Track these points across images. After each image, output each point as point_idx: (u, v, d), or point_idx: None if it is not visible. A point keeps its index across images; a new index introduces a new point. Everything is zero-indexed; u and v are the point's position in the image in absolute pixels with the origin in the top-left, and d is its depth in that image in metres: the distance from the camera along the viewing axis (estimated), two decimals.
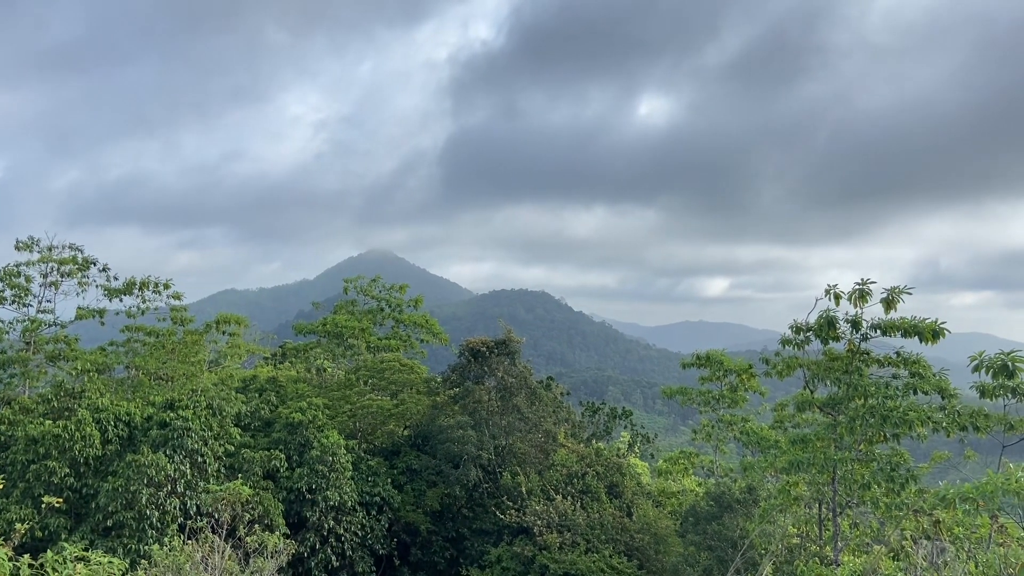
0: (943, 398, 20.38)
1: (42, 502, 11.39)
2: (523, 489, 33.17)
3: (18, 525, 10.74)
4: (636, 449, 47.78)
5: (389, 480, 33.59)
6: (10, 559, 8.07)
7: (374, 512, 32.08)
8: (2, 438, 27.64)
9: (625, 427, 47.88)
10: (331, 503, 29.59)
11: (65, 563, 8.91)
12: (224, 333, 45.21)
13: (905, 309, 19.50)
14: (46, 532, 24.13)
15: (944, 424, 19.76)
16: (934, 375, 20.60)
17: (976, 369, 18.12)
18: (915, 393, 20.34)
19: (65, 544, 10.13)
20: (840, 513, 21.81)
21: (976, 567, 11.12)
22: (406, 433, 39.46)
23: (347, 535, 30.14)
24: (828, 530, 22.47)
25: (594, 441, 43.27)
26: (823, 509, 22.85)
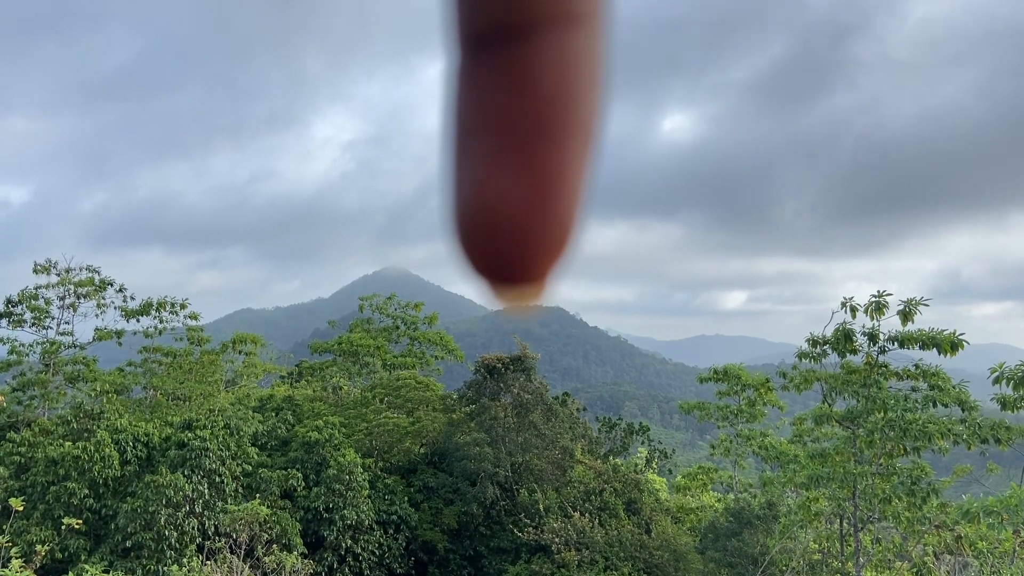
0: (963, 410, 20.19)
1: (62, 523, 11.47)
2: (540, 506, 33.04)
3: (39, 547, 10.82)
4: (654, 465, 47.50)
5: (406, 498, 33.55)
6: None
7: (391, 531, 32.03)
8: (22, 460, 27.87)
9: (642, 443, 47.66)
10: (348, 522, 29.58)
11: None
12: (240, 352, 45.50)
13: (926, 320, 19.41)
14: (66, 554, 24.24)
15: (965, 437, 19.55)
16: (954, 387, 20.42)
17: (997, 381, 17.95)
18: (935, 405, 20.16)
19: (85, 566, 10.19)
20: (861, 528, 21.57)
21: None
22: (422, 451, 39.42)
23: (365, 554, 30.10)
24: (850, 545, 22.22)
25: (611, 457, 43.08)
26: (844, 524, 22.61)
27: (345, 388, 47.04)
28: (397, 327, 52.17)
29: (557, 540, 30.64)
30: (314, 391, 47.14)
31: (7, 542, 9.46)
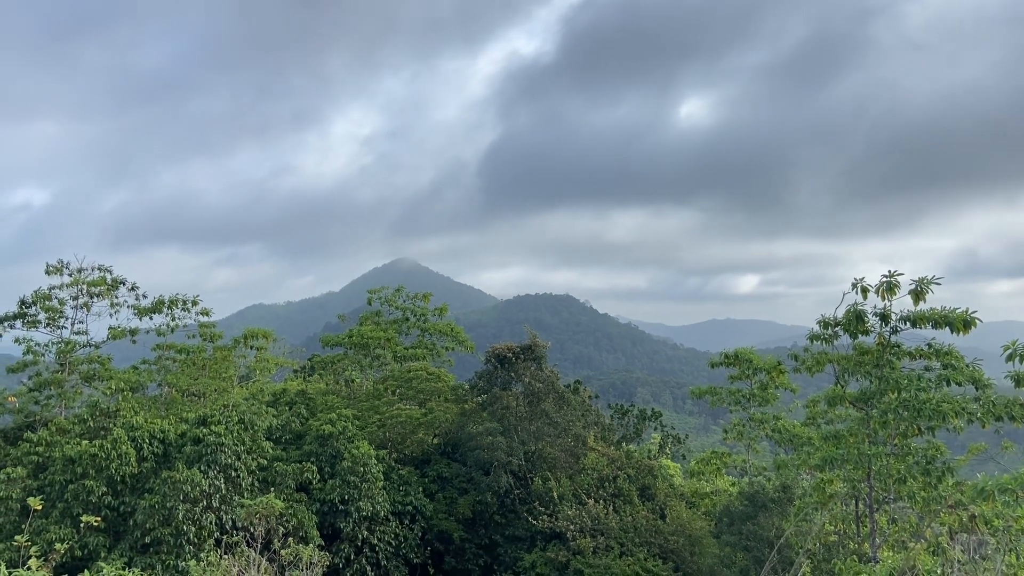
0: (977, 389, 20.06)
1: (81, 521, 11.56)
2: (555, 494, 33.11)
3: (58, 545, 10.91)
4: (667, 450, 47.52)
5: (421, 489, 33.69)
6: None
7: (407, 521, 32.18)
8: (40, 459, 28.10)
9: (655, 428, 47.67)
10: (364, 513, 29.74)
11: None
12: (252, 348, 45.65)
13: (941, 299, 19.22)
14: (86, 551, 24.46)
15: (979, 415, 19.44)
16: (967, 366, 20.27)
17: (1010, 358, 17.79)
18: (948, 384, 20.02)
19: (103, 564, 10.27)
20: (877, 509, 21.52)
21: (1017, 559, 10.94)
22: (436, 441, 39.55)
23: (381, 545, 30.26)
24: (865, 526, 22.18)
25: (624, 443, 43.11)
26: (859, 505, 22.56)
27: (357, 381, 47.19)
28: (407, 319, 52.24)
29: (572, 527, 30.72)
30: (327, 384, 47.32)
31: (26, 541, 9.55)
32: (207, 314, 41.19)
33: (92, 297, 38.35)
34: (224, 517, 25.72)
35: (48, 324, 37.70)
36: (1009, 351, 17.13)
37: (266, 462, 29.30)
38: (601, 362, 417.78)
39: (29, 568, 8.12)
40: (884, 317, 20.06)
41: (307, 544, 23.58)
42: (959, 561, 11.09)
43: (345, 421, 33.68)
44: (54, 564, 8.80)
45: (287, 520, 25.96)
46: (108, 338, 39.06)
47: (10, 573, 7.97)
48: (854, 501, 22.96)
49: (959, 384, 20.05)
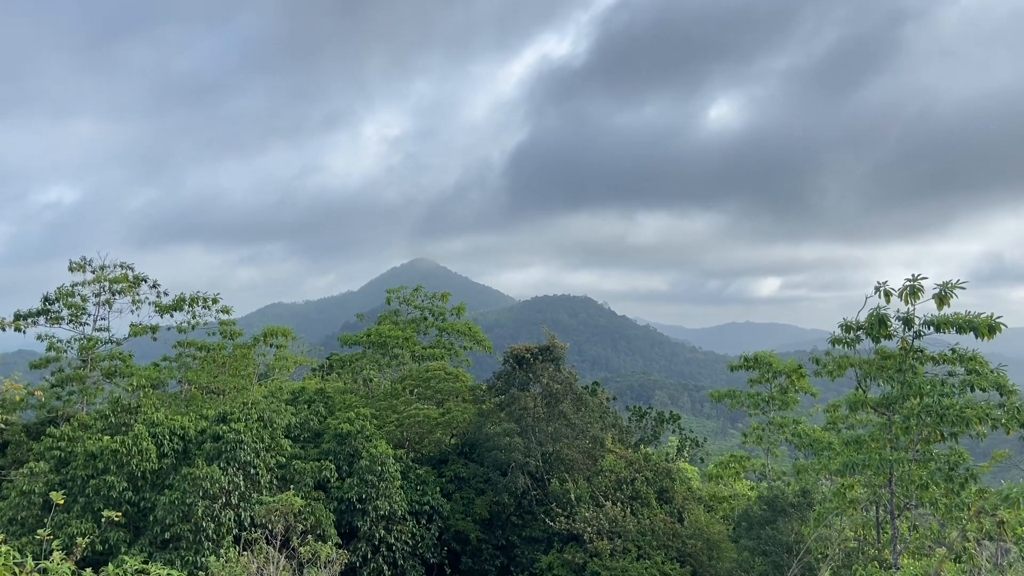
0: (1002, 395, 19.81)
1: (102, 516, 11.67)
2: (572, 496, 33.03)
3: (79, 539, 11.01)
4: (685, 453, 47.31)
5: (438, 489, 33.72)
6: (72, 573, 8.27)
7: (424, 521, 32.22)
8: (62, 454, 28.40)
9: (673, 431, 47.47)
10: (381, 512, 29.81)
11: None
12: (271, 346, 45.90)
13: (966, 304, 19.04)
14: (106, 546, 24.70)
15: (1003, 421, 19.20)
16: (992, 371, 20.03)
17: None
18: (972, 390, 19.80)
19: (125, 557, 10.35)
20: (898, 515, 21.30)
21: None
22: (453, 442, 39.58)
23: (398, 544, 30.32)
24: (886, 533, 21.95)
25: (642, 446, 42.96)
26: (880, 511, 22.33)
27: (375, 380, 47.33)
28: (425, 319, 52.37)
29: (589, 529, 30.63)
30: (345, 383, 47.51)
31: (48, 535, 9.64)
32: (227, 312, 41.50)
33: (114, 294, 38.73)
34: (243, 514, 25.87)
35: (71, 321, 38.10)
36: None
37: (285, 460, 29.45)
38: (619, 364, 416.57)
39: (53, 561, 8.21)
40: (907, 321, 19.86)
41: (325, 542, 23.66)
42: (985, 568, 10.94)
43: (363, 420, 33.79)
44: (76, 558, 8.88)
45: (305, 518, 26.08)
46: (129, 335, 39.44)
47: (36, 565, 8.05)
48: (875, 507, 22.74)
49: (983, 390, 19.83)
